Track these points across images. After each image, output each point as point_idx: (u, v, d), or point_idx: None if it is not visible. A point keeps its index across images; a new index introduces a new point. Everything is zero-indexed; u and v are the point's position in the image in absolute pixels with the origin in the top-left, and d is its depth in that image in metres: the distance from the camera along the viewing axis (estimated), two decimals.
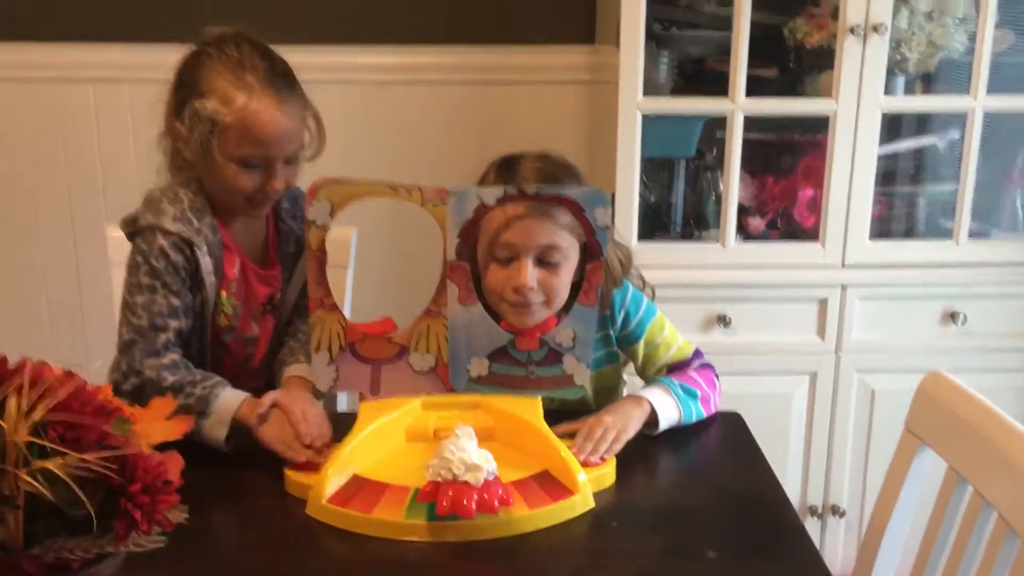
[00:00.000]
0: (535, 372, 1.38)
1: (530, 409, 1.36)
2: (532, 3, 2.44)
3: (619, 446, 1.36)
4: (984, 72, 2.12)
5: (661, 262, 2.13)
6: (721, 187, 2.20)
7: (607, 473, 1.33)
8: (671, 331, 1.54)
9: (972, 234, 2.23)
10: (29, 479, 0.81)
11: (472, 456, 1.20)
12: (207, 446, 1.38)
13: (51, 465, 0.80)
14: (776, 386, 2.25)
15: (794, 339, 2.23)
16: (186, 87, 1.48)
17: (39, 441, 0.81)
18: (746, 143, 2.15)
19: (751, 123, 2.15)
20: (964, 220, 2.21)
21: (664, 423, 1.43)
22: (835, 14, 2.10)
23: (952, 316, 2.23)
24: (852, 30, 2.06)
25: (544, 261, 1.39)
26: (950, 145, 2.31)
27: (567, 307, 1.42)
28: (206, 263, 1.50)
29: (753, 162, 2.25)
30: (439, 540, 1.20)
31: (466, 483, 1.19)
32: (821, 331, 2.22)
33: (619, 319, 1.53)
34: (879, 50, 2.08)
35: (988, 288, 2.22)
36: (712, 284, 2.19)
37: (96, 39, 2.41)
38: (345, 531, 1.22)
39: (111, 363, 1.59)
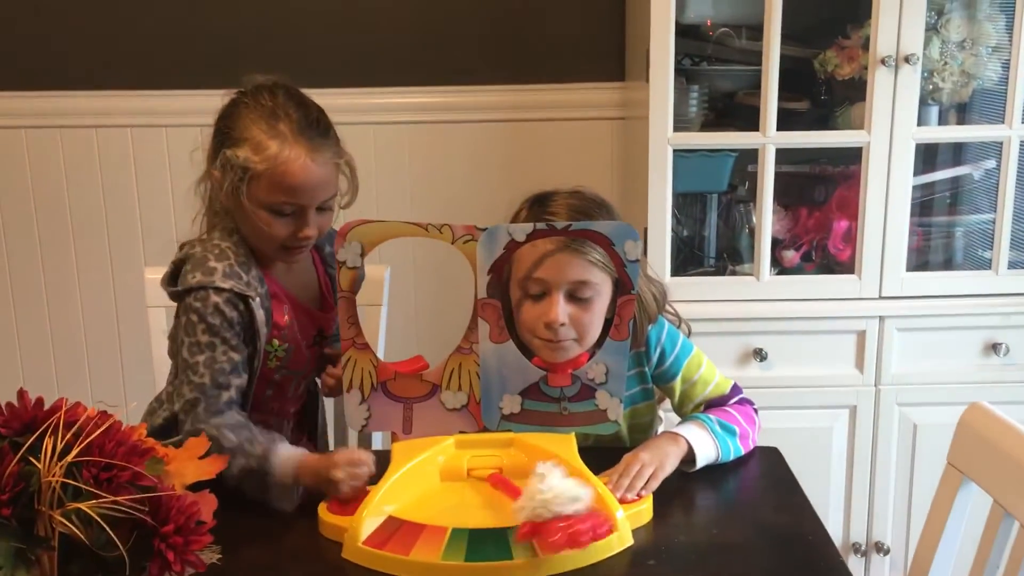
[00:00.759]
0: (568, 408, 1.37)
1: (564, 446, 1.35)
2: (562, 41, 2.47)
3: (656, 483, 1.34)
4: (1019, 100, 2.10)
5: (695, 297, 2.12)
6: (754, 220, 2.19)
7: (644, 510, 1.31)
8: (708, 367, 1.53)
9: (1012, 264, 2.19)
10: (63, 520, 0.81)
11: (568, 488, 1.19)
12: (231, 490, 1.36)
13: (85, 506, 0.81)
14: (815, 420, 2.22)
15: (832, 372, 2.20)
16: (221, 134, 1.50)
17: (73, 483, 0.82)
18: (778, 176, 2.14)
19: (783, 156, 2.14)
20: (1003, 250, 2.18)
21: (701, 460, 1.41)
22: (865, 45, 2.09)
23: (994, 347, 2.19)
24: (883, 61, 2.05)
25: (576, 297, 1.39)
26: (986, 174, 2.28)
27: (599, 342, 1.40)
28: (260, 316, 1.49)
29: (786, 195, 2.24)
30: None
31: (570, 515, 1.18)
32: (860, 364, 2.19)
33: (655, 356, 1.52)
34: (911, 80, 2.07)
35: None
36: (747, 318, 2.17)
37: (135, 87, 2.46)
38: (382, 573, 1.20)
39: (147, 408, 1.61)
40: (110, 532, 0.80)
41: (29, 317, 2.59)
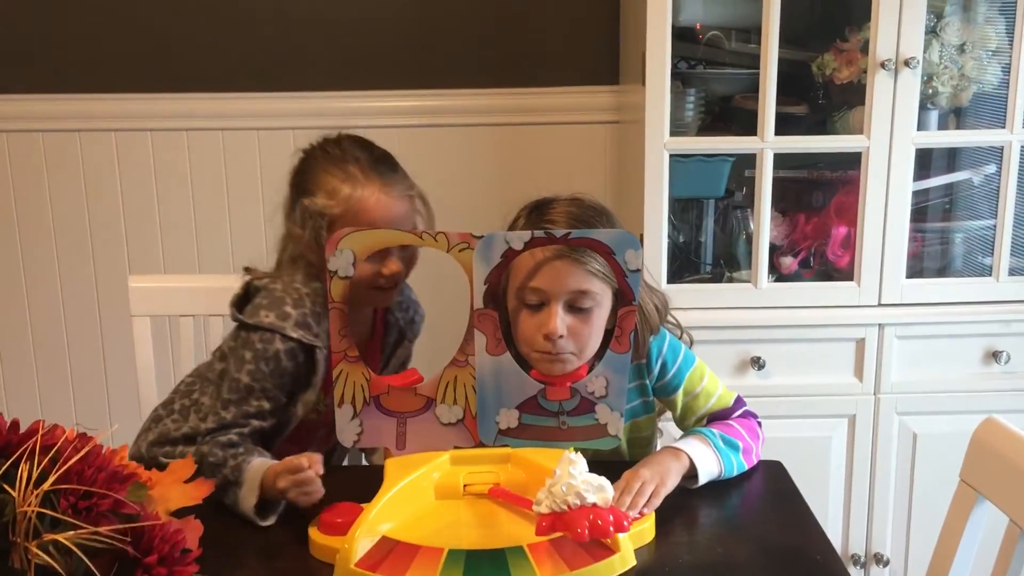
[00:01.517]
0: (567, 422, 1.33)
1: None
2: (555, 44, 2.43)
3: (658, 501, 1.30)
4: (1020, 104, 2.07)
5: (691, 304, 2.09)
6: (752, 226, 2.15)
7: (646, 529, 1.27)
8: (711, 379, 1.49)
9: (1012, 270, 2.16)
10: (39, 552, 0.77)
11: (594, 477, 1.18)
12: (226, 509, 1.33)
13: (62, 537, 0.76)
14: (814, 430, 2.18)
15: (831, 381, 2.16)
16: (297, 189, 1.52)
17: (50, 512, 0.77)
18: (776, 181, 2.10)
19: (781, 161, 2.11)
20: (1003, 256, 2.15)
21: (704, 477, 1.37)
22: (864, 48, 2.06)
23: (995, 355, 2.16)
24: (883, 64, 2.01)
25: (575, 307, 1.35)
26: (986, 179, 2.25)
27: (599, 354, 1.36)
28: (322, 368, 1.49)
29: (784, 200, 2.21)
30: None
31: (594, 505, 1.16)
32: (859, 372, 2.16)
33: (656, 368, 1.47)
34: (911, 84, 2.03)
35: None
36: (745, 325, 2.14)
37: (119, 90, 2.41)
38: None
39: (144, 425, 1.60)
40: (89, 564, 0.76)
41: (10, 326, 2.53)
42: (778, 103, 2.05)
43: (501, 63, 2.43)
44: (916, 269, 2.21)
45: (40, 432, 0.80)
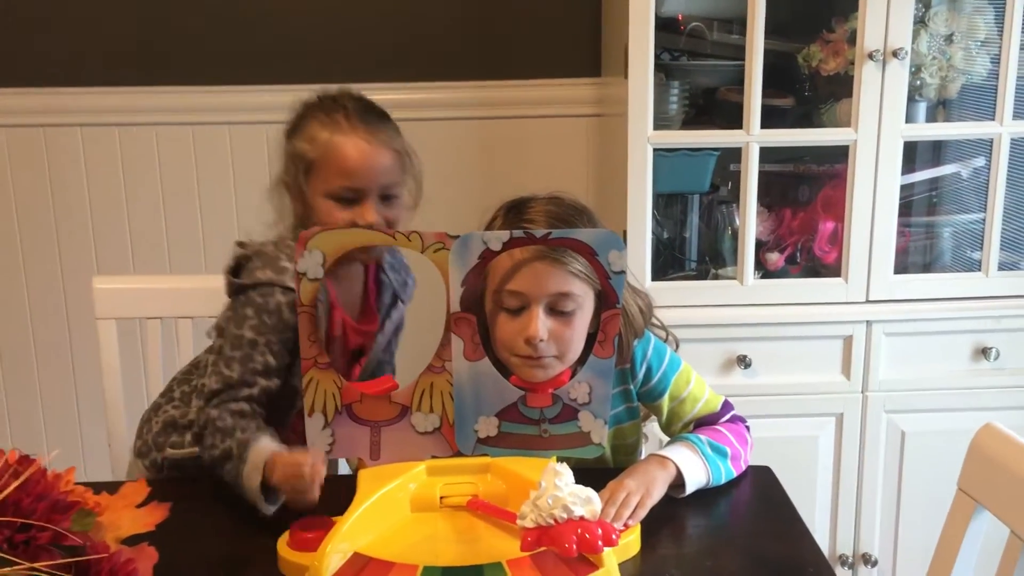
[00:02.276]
0: (549, 430, 1.28)
1: None
2: (536, 35, 2.37)
3: (644, 512, 1.24)
4: (1010, 96, 2.03)
5: (676, 302, 2.04)
6: (737, 222, 2.10)
7: (632, 541, 1.21)
8: (698, 383, 1.43)
9: (1002, 265, 2.12)
10: None
11: (581, 489, 1.12)
12: (194, 521, 1.27)
13: None
14: (801, 429, 2.14)
15: (818, 379, 2.12)
16: (286, 137, 1.50)
17: None
18: (762, 175, 2.05)
19: (767, 154, 2.06)
20: (993, 251, 2.11)
21: (691, 486, 1.31)
22: (851, 39, 2.01)
23: (984, 351, 2.12)
24: (871, 56, 1.97)
25: (556, 310, 1.29)
26: (974, 172, 2.21)
27: (582, 359, 1.31)
28: (324, 321, 1.45)
29: (770, 195, 2.16)
30: None
31: (581, 518, 1.11)
32: (846, 370, 2.12)
33: (640, 373, 1.42)
34: (899, 76, 1.99)
35: (1020, 321, 2.11)
36: (730, 323, 2.09)
37: (86, 83, 2.33)
38: None
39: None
40: None
41: None
42: (764, 95, 2.00)
43: (480, 55, 2.37)
44: (904, 265, 2.17)
45: None
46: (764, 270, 2.16)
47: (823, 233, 2.14)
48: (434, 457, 1.29)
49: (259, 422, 1.38)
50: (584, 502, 1.12)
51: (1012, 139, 2.06)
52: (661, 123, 2.05)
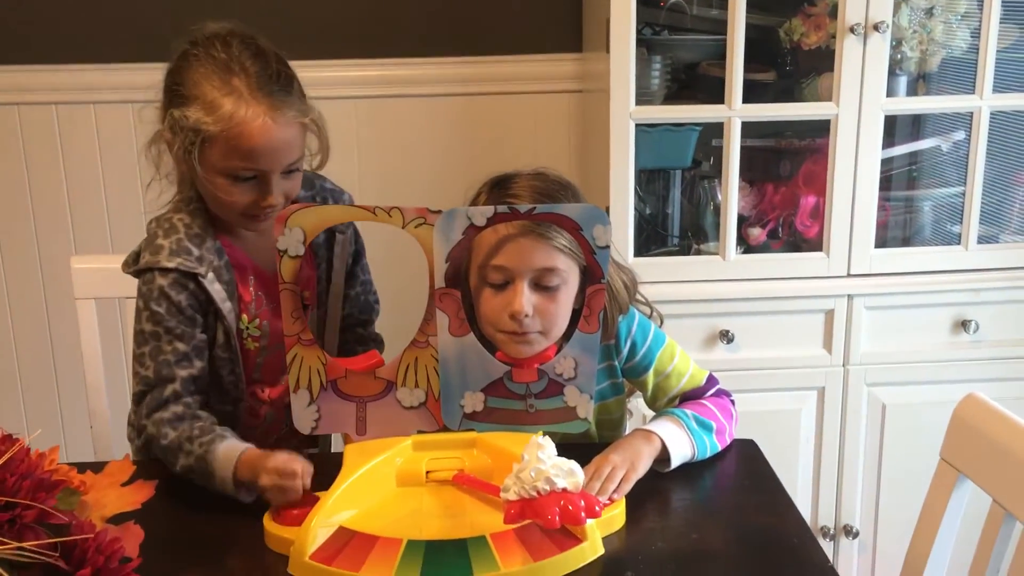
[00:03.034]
0: (535, 405, 1.28)
1: None
2: (516, 10, 2.35)
3: (628, 486, 1.25)
4: (990, 70, 2.03)
5: (659, 277, 2.04)
6: (719, 197, 2.10)
7: (616, 516, 1.22)
8: (683, 358, 1.44)
9: (981, 239, 2.14)
10: None
11: (564, 461, 1.13)
12: (180, 498, 1.27)
13: None
14: (783, 403, 2.15)
15: (800, 353, 2.13)
16: (170, 92, 1.35)
17: None
18: (744, 150, 2.05)
19: (748, 129, 2.06)
20: (972, 224, 2.12)
21: (676, 460, 1.32)
22: (833, 13, 2.01)
23: (963, 324, 2.13)
24: (852, 29, 1.96)
25: (541, 285, 1.29)
26: (954, 146, 2.22)
27: (567, 335, 1.31)
28: (217, 291, 1.37)
29: (752, 170, 2.16)
30: None
31: (564, 490, 1.11)
32: (828, 344, 2.13)
33: (625, 348, 1.42)
34: (880, 50, 1.99)
35: (999, 294, 2.13)
36: (713, 298, 2.09)
37: (60, 60, 2.30)
38: None
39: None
40: None
41: None
42: (745, 70, 1.99)
43: (460, 31, 2.35)
44: (885, 239, 2.18)
45: None
46: (746, 245, 2.16)
47: (804, 208, 2.15)
48: (420, 432, 1.29)
49: (204, 422, 1.32)
50: (567, 474, 1.12)
51: (992, 112, 2.07)
52: (643, 98, 2.04)
